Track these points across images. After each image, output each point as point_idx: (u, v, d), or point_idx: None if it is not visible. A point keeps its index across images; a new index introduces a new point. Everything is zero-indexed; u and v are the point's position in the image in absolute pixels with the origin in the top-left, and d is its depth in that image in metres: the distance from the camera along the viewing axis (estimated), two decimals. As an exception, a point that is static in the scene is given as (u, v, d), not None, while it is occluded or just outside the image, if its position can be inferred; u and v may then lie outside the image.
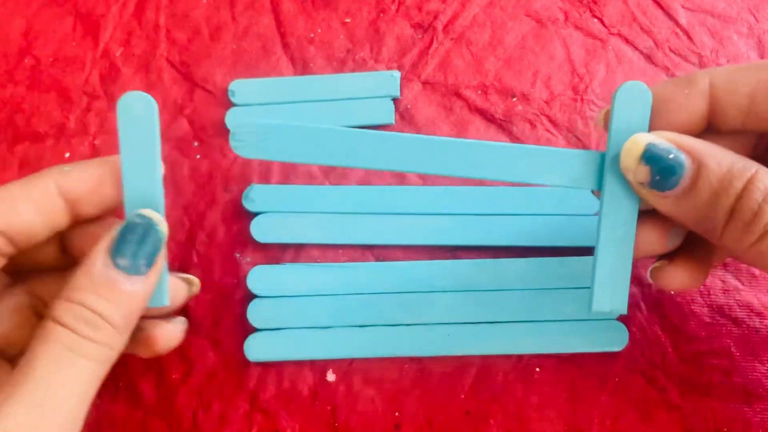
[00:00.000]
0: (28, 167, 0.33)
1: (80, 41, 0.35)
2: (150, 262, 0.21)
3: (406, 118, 0.33)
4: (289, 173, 0.32)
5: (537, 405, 0.29)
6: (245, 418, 0.29)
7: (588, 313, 0.29)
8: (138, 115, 0.23)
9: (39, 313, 0.25)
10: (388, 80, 0.33)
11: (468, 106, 0.33)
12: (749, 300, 0.30)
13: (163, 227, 0.22)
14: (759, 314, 0.30)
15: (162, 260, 0.22)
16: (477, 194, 0.31)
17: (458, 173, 0.22)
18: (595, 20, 0.35)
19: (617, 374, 0.29)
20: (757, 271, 0.30)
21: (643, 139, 0.21)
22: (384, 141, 0.22)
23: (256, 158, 0.22)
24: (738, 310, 0.30)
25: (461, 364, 0.29)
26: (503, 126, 0.33)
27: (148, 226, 0.22)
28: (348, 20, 0.35)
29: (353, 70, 0.34)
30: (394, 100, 0.33)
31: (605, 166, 0.22)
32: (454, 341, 0.29)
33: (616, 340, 0.29)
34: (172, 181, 0.32)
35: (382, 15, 0.35)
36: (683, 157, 0.20)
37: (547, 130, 0.33)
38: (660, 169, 0.20)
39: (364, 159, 0.22)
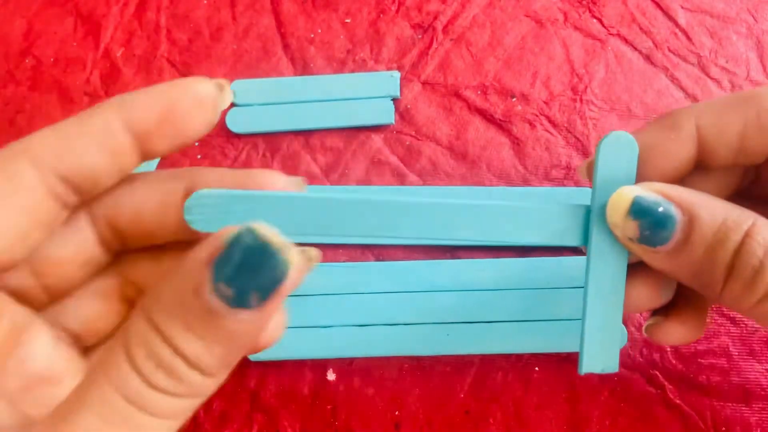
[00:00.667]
0: (29, 167, 0.33)
1: (81, 41, 0.35)
2: (266, 293, 0.14)
3: (406, 119, 0.33)
4: (289, 173, 0.32)
5: (536, 404, 0.29)
6: (246, 418, 0.29)
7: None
8: None
9: (128, 300, 0.20)
10: (388, 80, 0.33)
11: (468, 106, 0.33)
12: (748, 300, 0.30)
13: (288, 252, 0.14)
14: (757, 314, 0.30)
15: (286, 291, 0.15)
16: (477, 194, 0.31)
17: (435, 237, 0.20)
18: (595, 21, 0.35)
19: (616, 374, 0.29)
20: (755, 271, 0.30)
21: (629, 192, 0.20)
22: (358, 207, 0.19)
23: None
24: (736, 309, 0.30)
25: (461, 363, 0.29)
26: (503, 126, 0.33)
27: (265, 252, 0.14)
28: (348, 21, 0.35)
29: (353, 71, 0.34)
30: (394, 100, 0.33)
31: (591, 220, 0.21)
32: (453, 341, 0.29)
33: (615, 340, 0.29)
34: (172, 181, 0.32)
35: (382, 15, 0.35)
36: (674, 210, 0.19)
37: (547, 131, 0.33)
38: (650, 223, 0.19)
39: (336, 228, 0.19)
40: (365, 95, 0.33)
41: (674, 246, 0.19)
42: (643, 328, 0.24)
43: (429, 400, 0.29)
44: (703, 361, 0.29)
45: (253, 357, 0.29)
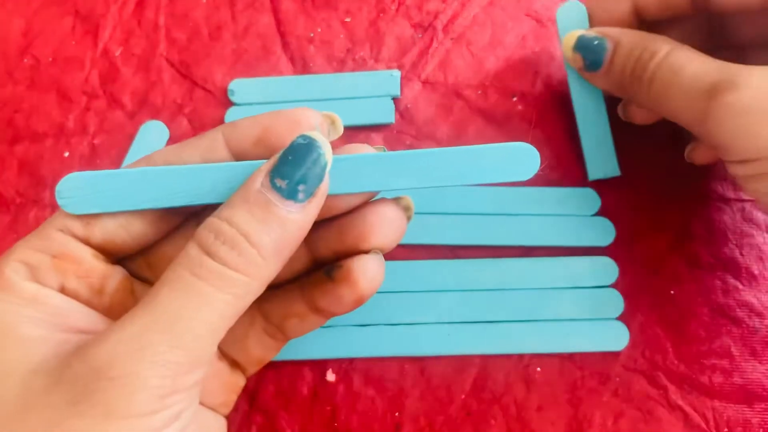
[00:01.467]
0: (27, 167, 0.33)
1: (80, 41, 0.35)
2: (310, 190, 0.19)
3: (406, 118, 0.33)
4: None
5: (538, 405, 0.29)
6: (245, 419, 0.29)
7: (589, 313, 0.29)
8: None
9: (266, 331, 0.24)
10: (388, 80, 0.33)
11: (468, 105, 0.33)
12: (749, 300, 0.30)
13: (327, 151, 0.19)
14: (759, 314, 0.30)
15: (323, 193, 0.19)
16: (477, 194, 0.31)
17: (393, 186, 0.21)
18: (595, 20, 0.35)
19: (618, 374, 0.29)
20: (756, 271, 0.30)
21: (575, 33, 0.28)
22: (218, 171, 0.20)
23: (91, 213, 0.20)
24: (738, 310, 0.30)
25: (462, 363, 0.29)
26: (503, 126, 0.33)
27: (313, 147, 0.19)
28: (348, 20, 0.35)
29: (353, 70, 0.34)
30: (394, 99, 0.33)
31: (567, 70, 0.29)
32: (454, 341, 0.29)
33: (616, 340, 0.29)
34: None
35: (382, 15, 0.35)
36: (605, 41, 0.27)
37: (547, 130, 0.33)
38: (588, 53, 0.27)
39: (204, 195, 0.20)
40: (365, 95, 0.33)
41: (605, 68, 0.27)
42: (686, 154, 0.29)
43: (430, 401, 0.29)
44: (705, 361, 0.29)
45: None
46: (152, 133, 0.33)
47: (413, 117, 0.33)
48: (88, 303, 0.20)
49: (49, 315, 0.19)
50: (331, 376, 0.29)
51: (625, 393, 0.29)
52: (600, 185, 0.31)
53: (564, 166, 0.32)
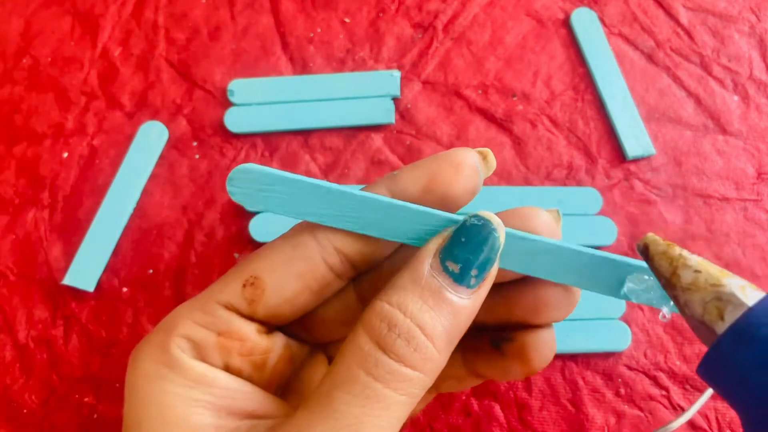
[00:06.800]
0: (26, 167, 0.32)
1: (78, 41, 0.35)
2: (481, 275, 0.17)
3: (406, 118, 0.33)
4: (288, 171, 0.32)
5: (540, 406, 0.29)
6: None
7: (591, 313, 0.29)
8: None
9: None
10: (388, 80, 0.33)
11: (468, 105, 0.33)
12: (752, 300, 0.30)
13: (501, 234, 0.18)
14: (762, 314, 0.29)
15: (493, 276, 0.18)
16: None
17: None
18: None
19: (620, 374, 0.29)
20: (759, 272, 0.30)
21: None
22: (397, 210, 0.19)
23: (254, 210, 0.19)
24: (741, 310, 0.30)
25: (462, 364, 0.29)
26: (504, 126, 0.33)
27: (487, 230, 0.18)
28: (348, 20, 0.35)
29: (353, 70, 0.34)
30: (394, 99, 0.33)
31: (589, 59, 0.32)
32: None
33: (618, 341, 0.29)
34: (170, 181, 0.32)
35: (382, 15, 0.35)
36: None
37: (548, 130, 0.32)
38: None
39: (372, 227, 0.19)
40: (365, 94, 0.33)
41: None
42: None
43: (430, 403, 0.29)
44: (707, 362, 0.29)
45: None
46: (152, 134, 0.33)
47: (413, 117, 0.33)
48: (249, 378, 0.19)
49: (217, 398, 0.18)
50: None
51: (627, 393, 0.29)
52: (600, 186, 0.31)
53: (565, 165, 0.32)
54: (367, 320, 0.17)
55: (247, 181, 0.19)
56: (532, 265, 0.19)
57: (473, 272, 0.17)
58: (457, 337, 0.17)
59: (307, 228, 0.19)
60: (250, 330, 0.19)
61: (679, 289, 0.17)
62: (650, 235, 0.18)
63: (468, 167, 0.19)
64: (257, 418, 0.18)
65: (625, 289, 0.19)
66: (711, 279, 0.16)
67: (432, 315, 0.17)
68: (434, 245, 0.18)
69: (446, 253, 0.17)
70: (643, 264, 0.18)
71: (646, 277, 0.18)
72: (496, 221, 0.18)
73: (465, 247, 0.17)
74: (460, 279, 0.17)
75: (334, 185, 0.19)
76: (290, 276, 0.19)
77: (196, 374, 0.18)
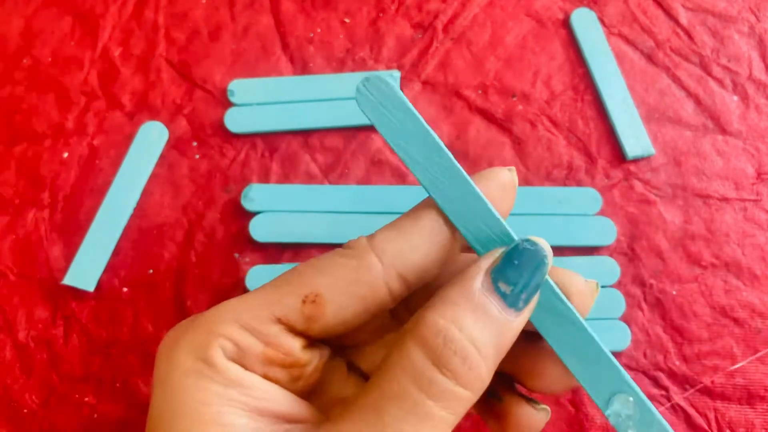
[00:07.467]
0: (26, 167, 0.33)
1: (79, 41, 0.35)
2: (529, 299, 0.17)
3: (406, 118, 0.33)
4: (288, 173, 0.32)
5: (538, 406, 0.29)
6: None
7: (591, 313, 0.29)
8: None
9: None
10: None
11: (468, 106, 0.33)
12: (751, 300, 0.30)
13: (550, 261, 0.18)
14: (761, 315, 0.29)
15: (534, 304, 0.18)
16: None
17: None
18: (596, 20, 0.35)
19: (619, 375, 0.29)
20: (758, 272, 0.30)
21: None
22: (475, 199, 0.19)
23: (367, 117, 0.19)
24: (740, 310, 0.30)
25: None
26: (504, 126, 0.33)
27: (540, 256, 0.18)
28: (348, 20, 0.35)
29: (353, 70, 0.34)
30: (394, 99, 0.33)
31: (588, 58, 0.32)
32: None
33: (618, 340, 0.29)
34: (170, 181, 0.32)
35: (381, 15, 0.35)
36: None
37: (548, 130, 0.33)
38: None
39: (450, 202, 0.19)
40: (365, 95, 0.33)
41: None
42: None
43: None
44: (707, 362, 0.29)
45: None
46: (152, 134, 0.33)
47: (413, 117, 0.33)
48: (284, 386, 0.19)
49: (253, 399, 0.18)
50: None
51: (626, 394, 0.29)
52: (600, 186, 0.31)
53: (565, 165, 0.32)
54: (419, 334, 0.17)
55: (378, 90, 0.19)
56: (549, 326, 0.18)
57: (523, 296, 0.17)
58: (499, 354, 0.17)
59: (372, 249, 0.19)
60: (296, 345, 0.19)
61: None
62: None
63: (512, 189, 0.19)
64: (290, 422, 0.18)
65: (609, 411, 0.18)
66: None
67: (485, 333, 0.17)
68: (486, 263, 0.18)
69: (499, 274, 0.17)
70: (634, 386, 0.18)
71: (630, 399, 0.18)
72: (547, 248, 0.18)
73: (517, 269, 0.17)
74: (509, 300, 0.17)
75: (443, 144, 0.19)
76: (353, 297, 0.18)
77: (234, 376, 0.18)
